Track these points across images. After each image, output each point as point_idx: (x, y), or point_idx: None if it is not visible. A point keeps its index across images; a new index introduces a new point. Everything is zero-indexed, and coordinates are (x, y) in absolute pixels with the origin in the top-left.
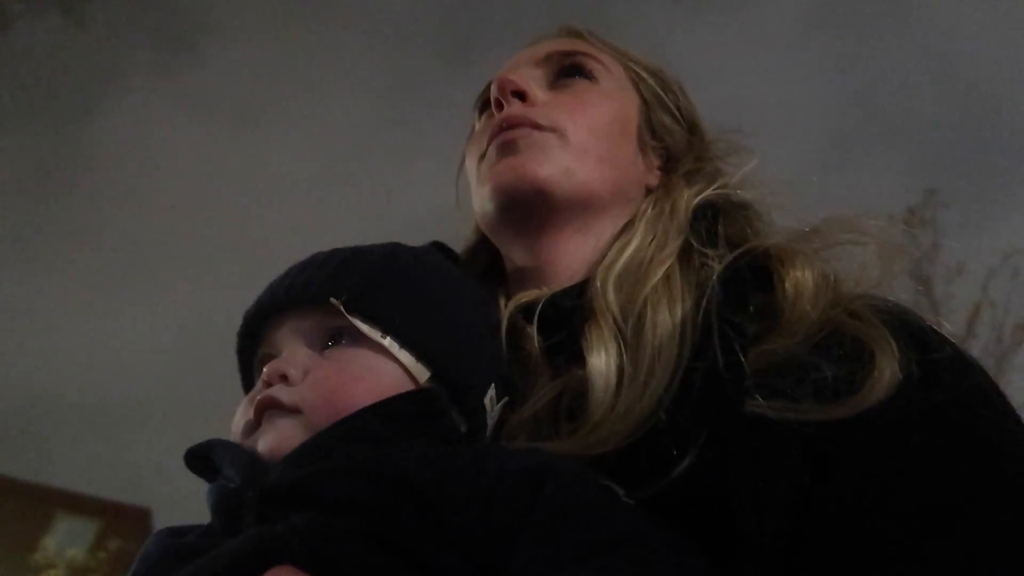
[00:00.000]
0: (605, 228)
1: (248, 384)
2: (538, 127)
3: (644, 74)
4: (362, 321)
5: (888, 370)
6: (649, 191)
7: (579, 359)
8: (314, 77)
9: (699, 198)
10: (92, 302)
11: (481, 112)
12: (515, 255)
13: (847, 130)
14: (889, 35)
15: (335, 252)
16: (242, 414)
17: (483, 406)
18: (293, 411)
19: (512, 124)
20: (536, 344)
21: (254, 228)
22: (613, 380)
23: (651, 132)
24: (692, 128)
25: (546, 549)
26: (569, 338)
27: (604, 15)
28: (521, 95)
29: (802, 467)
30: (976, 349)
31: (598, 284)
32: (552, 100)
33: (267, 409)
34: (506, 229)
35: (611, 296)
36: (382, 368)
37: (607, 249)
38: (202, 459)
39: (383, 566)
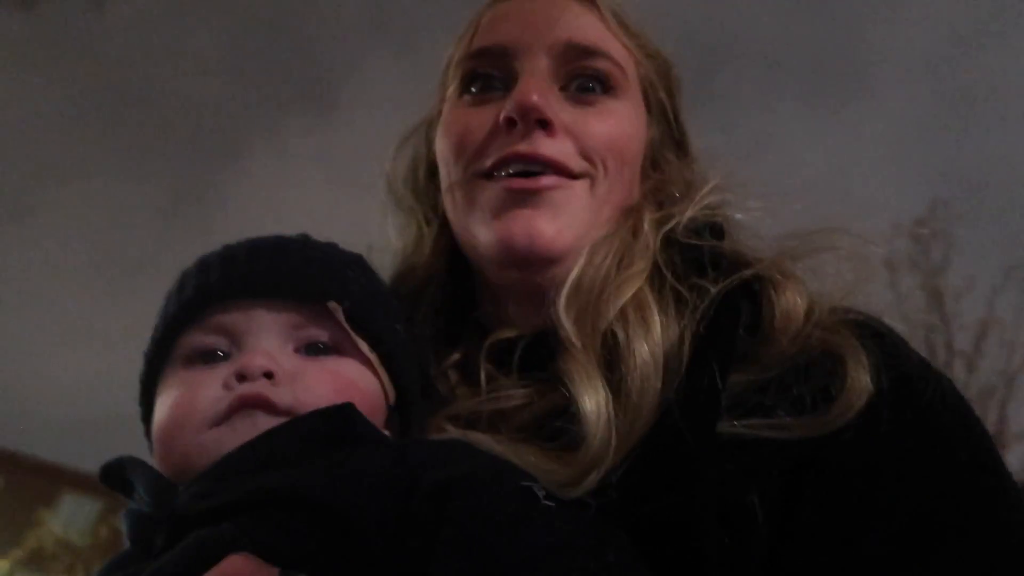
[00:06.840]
0: None
1: (160, 358)
2: (570, 174)
3: (654, 77)
4: (354, 331)
5: (861, 378)
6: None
7: (554, 380)
8: None
9: (666, 227)
10: None
11: (466, 84)
12: (498, 289)
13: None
14: (994, 135)
15: (308, 244)
16: (211, 398)
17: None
18: (282, 414)
19: (535, 160)
20: (514, 376)
21: None
22: (604, 418)
23: (652, 165)
24: (681, 133)
25: (455, 570)
26: (544, 365)
27: (711, 95)
28: (545, 124)
29: (777, 486)
30: (984, 368)
31: (554, 311)
32: (576, 123)
33: (249, 407)
34: (501, 273)
35: (568, 320)
36: (369, 383)
37: None
38: (117, 475)
39: (337, 557)
